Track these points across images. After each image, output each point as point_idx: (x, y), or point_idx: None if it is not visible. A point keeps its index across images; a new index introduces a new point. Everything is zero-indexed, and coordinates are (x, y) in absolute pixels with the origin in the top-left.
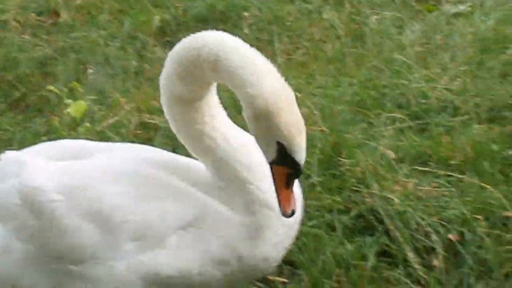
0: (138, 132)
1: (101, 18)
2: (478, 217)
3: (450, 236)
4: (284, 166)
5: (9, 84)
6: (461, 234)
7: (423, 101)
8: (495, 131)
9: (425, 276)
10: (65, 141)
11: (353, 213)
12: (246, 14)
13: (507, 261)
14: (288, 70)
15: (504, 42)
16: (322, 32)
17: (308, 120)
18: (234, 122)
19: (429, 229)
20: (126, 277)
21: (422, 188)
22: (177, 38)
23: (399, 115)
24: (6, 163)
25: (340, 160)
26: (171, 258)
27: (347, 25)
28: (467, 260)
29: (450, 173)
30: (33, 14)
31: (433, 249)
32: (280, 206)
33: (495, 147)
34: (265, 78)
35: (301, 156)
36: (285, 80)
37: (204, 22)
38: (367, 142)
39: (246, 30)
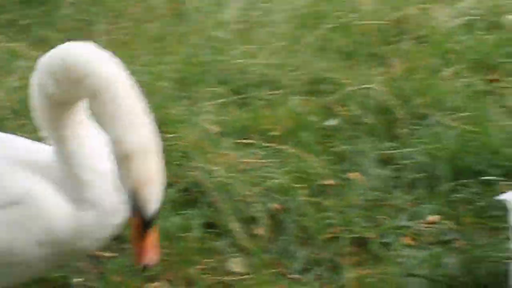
0: None
1: None
2: (299, 186)
3: (273, 205)
4: (138, 216)
5: None
6: (283, 203)
7: (244, 76)
8: (313, 103)
9: (250, 245)
10: None
11: (178, 187)
12: None
13: (326, 227)
14: (110, 50)
15: (320, 18)
16: (143, 12)
17: None
18: None
19: (252, 199)
20: None
21: (245, 160)
22: None
23: (221, 90)
24: None
25: (164, 136)
26: None
27: (168, 5)
28: (290, 227)
29: (271, 145)
30: None
31: (257, 218)
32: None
33: (313, 118)
34: (134, 126)
35: (149, 209)
36: None
37: (24, 4)
38: (191, 117)
39: (66, 11)
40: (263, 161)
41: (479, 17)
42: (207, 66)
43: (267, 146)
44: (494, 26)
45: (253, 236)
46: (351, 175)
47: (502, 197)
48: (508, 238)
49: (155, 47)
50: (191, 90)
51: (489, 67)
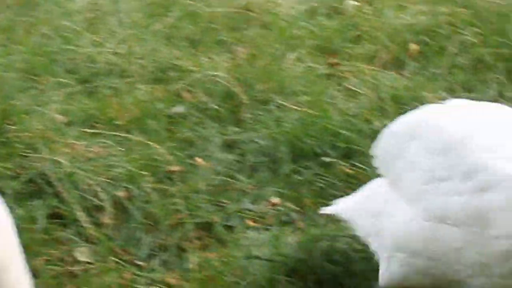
0: None
1: None
2: (145, 173)
3: (118, 193)
4: None
5: None
6: (129, 190)
7: (92, 65)
8: (160, 91)
9: (96, 234)
10: None
11: (23, 178)
12: None
13: (172, 213)
14: None
15: (168, 6)
16: None
17: None
18: None
19: (98, 188)
20: None
21: (91, 149)
22: None
23: (68, 80)
24: None
25: (8, 127)
26: None
27: None
28: (135, 215)
29: (117, 133)
30: None
31: (102, 207)
32: None
33: (160, 106)
34: None
35: None
36: None
37: None
38: (37, 107)
39: None
40: (109, 149)
41: (321, 4)
42: (55, 55)
43: (114, 135)
44: (336, 11)
45: (99, 225)
46: (197, 161)
47: (330, 210)
48: None
49: (3, 37)
50: (39, 80)
51: (330, 51)
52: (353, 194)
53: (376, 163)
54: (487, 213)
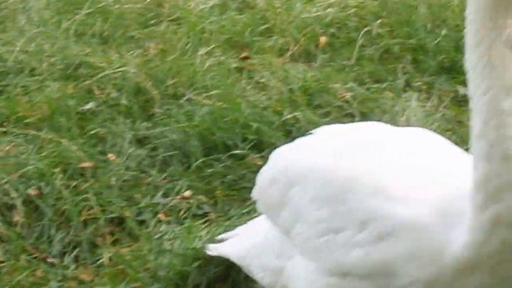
0: None
1: None
2: (56, 170)
3: (29, 191)
4: None
5: None
6: (41, 188)
7: (0, 64)
8: (70, 88)
9: (7, 232)
10: None
11: None
12: None
13: (84, 209)
14: None
15: (78, 3)
16: None
17: None
18: None
19: (8, 186)
20: None
21: (0, 148)
22: None
23: None
24: None
25: None
26: None
27: None
28: (47, 212)
29: (28, 131)
30: None
31: (13, 205)
32: None
33: (71, 102)
34: None
35: None
36: None
37: None
38: None
39: None
40: (19, 148)
41: None
42: None
43: (24, 133)
44: (246, 6)
45: (10, 223)
46: (109, 157)
47: (218, 251)
48: None
49: None
50: None
51: (241, 45)
52: (241, 231)
53: (259, 207)
54: (391, 264)
